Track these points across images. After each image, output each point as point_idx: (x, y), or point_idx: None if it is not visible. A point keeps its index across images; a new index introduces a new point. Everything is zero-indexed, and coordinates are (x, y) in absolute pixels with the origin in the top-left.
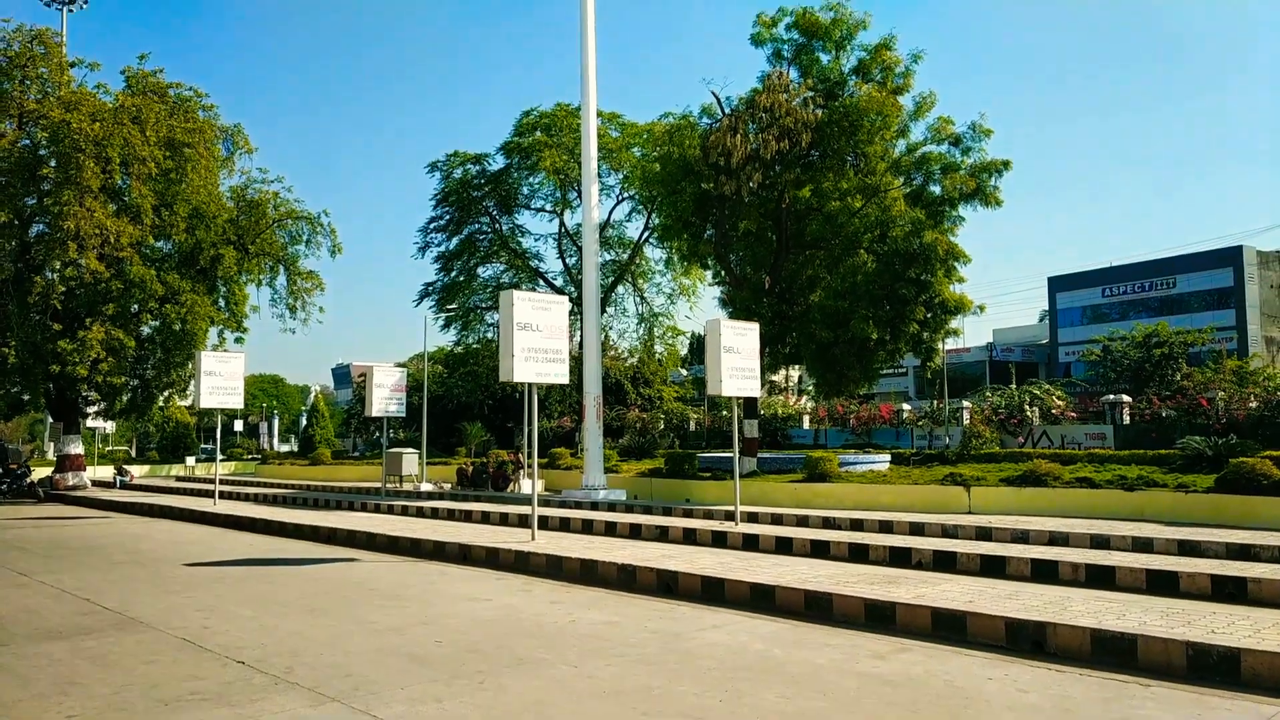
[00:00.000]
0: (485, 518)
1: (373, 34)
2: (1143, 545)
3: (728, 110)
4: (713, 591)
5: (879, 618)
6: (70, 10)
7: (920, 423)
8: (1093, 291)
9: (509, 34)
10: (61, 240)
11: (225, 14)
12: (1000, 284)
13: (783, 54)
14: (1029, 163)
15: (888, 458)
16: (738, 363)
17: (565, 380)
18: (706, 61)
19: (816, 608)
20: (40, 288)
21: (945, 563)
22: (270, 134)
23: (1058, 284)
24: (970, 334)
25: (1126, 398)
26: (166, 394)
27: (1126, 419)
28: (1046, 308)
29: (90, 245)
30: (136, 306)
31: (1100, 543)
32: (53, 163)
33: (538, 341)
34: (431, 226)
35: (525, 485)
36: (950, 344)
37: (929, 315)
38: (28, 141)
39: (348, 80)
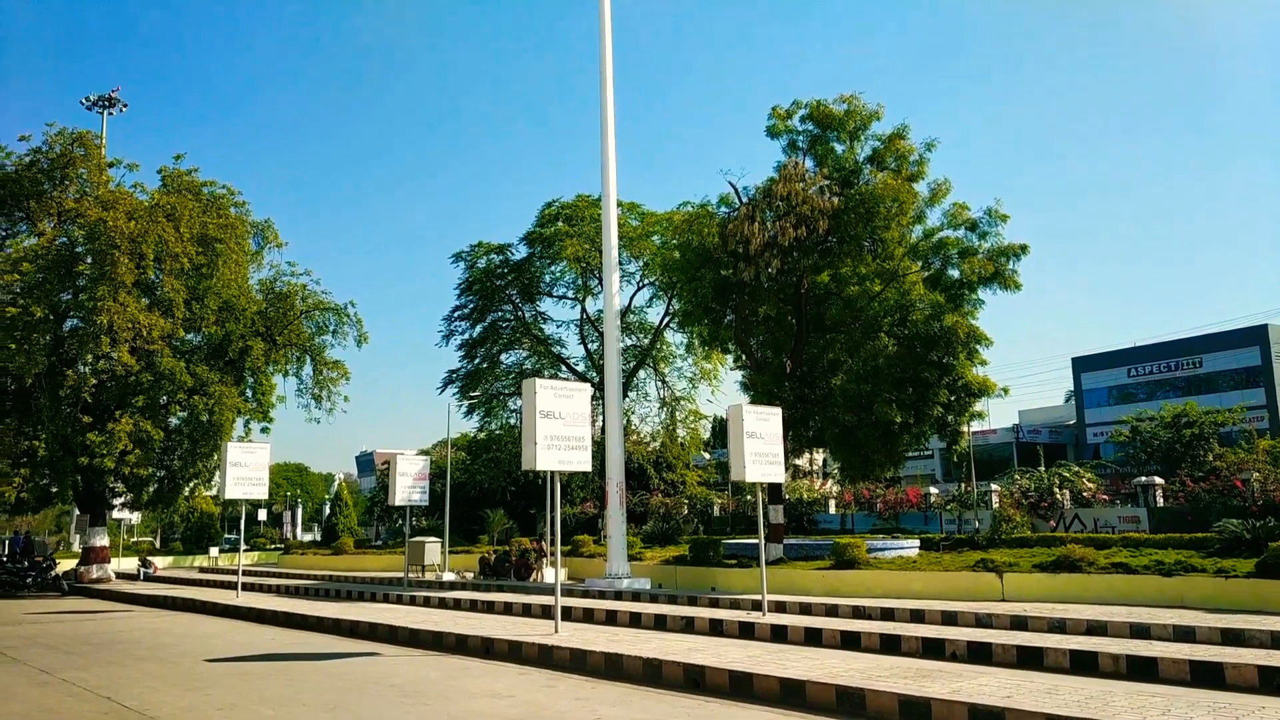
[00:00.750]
0: (508, 609)
1: (400, 131)
2: (1184, 634)
3: (745, 199)
4: (741, 686)
5: (914, 714)
6: (110, 114)
7: (949, 506)
8: (1118, 371)
9: (532, 129)
10: (95, 334)
11: (260, 113)
12: (1024, 365)
13: (798, 144)
14: (1048, 242)
15: (917, 543)
16: (761, 448)
17: (588, 468)
18: (723, 153)
19: (849, 703)
20: (72, 381)
21: (980, 654)
22: (300, 225)
23: (1082, 364)
24: (996, 415)
25: (1159, 479)
26: (192, 485)
27: (1160, 501)
28: (1072, 388)
29: (122, 339)
30: (165, 398)
31: (1140, 631)
32: (89, 259)
33: (560, 429)
34: (455, 315)
35: (548, 574)
36: (976, 426)
37: (952, 398)
38: (65, 239)
39: (376, 174)
